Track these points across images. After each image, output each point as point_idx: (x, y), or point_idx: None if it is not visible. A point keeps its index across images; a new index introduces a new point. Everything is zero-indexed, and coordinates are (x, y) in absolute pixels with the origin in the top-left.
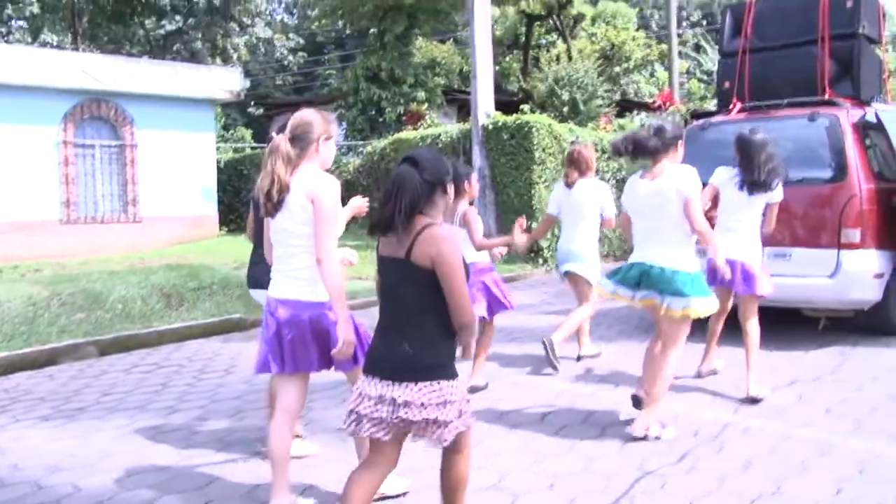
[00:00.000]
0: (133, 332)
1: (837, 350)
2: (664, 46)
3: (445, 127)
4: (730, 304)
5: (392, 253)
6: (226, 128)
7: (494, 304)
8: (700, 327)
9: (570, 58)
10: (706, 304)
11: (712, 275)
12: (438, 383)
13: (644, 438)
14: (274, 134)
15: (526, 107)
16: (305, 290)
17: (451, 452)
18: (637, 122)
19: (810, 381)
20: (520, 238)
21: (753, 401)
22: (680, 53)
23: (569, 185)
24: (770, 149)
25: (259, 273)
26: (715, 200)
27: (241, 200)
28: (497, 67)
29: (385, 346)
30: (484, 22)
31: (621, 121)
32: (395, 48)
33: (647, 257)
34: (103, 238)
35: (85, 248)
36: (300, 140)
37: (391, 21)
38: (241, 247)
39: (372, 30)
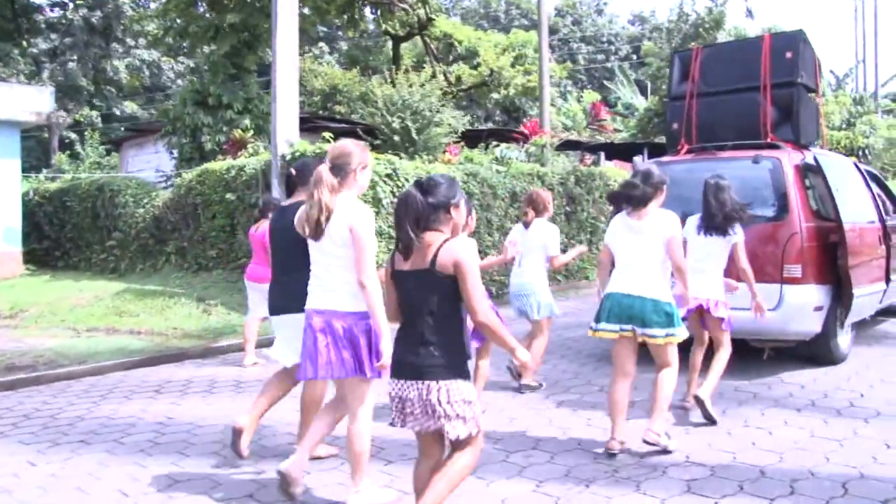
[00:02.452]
0: None
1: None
2: (559, 74)
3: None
4: (707, 337)
5: (413, 266)
6: (104, 154)
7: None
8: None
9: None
10: (683, 331)
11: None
12: (456, 381)
13: (654, 444)
14: (292, 171)
15: (328, 134)
16: (340, 301)
17: (457, 447)
18: (497, 153)
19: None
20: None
21: (698, 399)
22: (597, 84)
23: (526, 224)
24: (731, 194)
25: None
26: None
27: (66, 236)
28: (361, 90)
29: (409, 350)
30: (288, 35)
31: (472, 152)
32: (223, 69)
33: (629, 288)
34: None
35: None
36: (340, 169)
37: (220, 40)
38: (38, 290)
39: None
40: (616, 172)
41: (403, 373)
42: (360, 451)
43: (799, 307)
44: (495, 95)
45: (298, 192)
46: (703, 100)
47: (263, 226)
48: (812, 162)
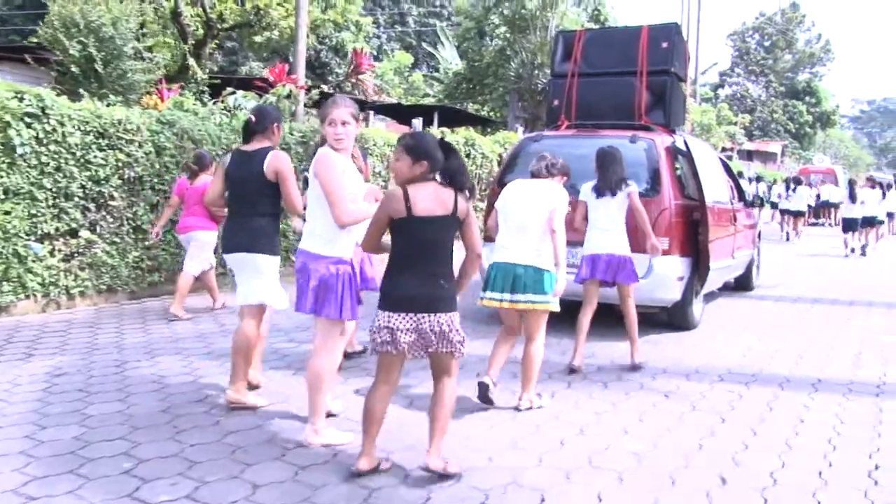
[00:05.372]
0: None
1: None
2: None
3: None
4: (596, 301)
5: (433, 212)
6: None
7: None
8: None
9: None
10: (557, 302)
11: (587, 269)
12: (455, 313)
13: (529, 408)
14: (251, 117)
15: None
16: (316, 244)
17: (444, 377)
18: (231, 101)
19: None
20: None
21: (636, 368)
22: (411, 47)
23: None
24: (621, 162)
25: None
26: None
27: None
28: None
29: (419, 285)
30: None
31: (189, 98)
32: None
33: (514, 257)
34: None
35: None
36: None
37: None
38: None
39: None
40: (382, 134)
41: (409, 307)
42: (318, 387)
43: (665, 276)
44: (258, 38)
45: (258, 138)
46: (584, 80)
47: (201, 179)
48: (681, 145)
